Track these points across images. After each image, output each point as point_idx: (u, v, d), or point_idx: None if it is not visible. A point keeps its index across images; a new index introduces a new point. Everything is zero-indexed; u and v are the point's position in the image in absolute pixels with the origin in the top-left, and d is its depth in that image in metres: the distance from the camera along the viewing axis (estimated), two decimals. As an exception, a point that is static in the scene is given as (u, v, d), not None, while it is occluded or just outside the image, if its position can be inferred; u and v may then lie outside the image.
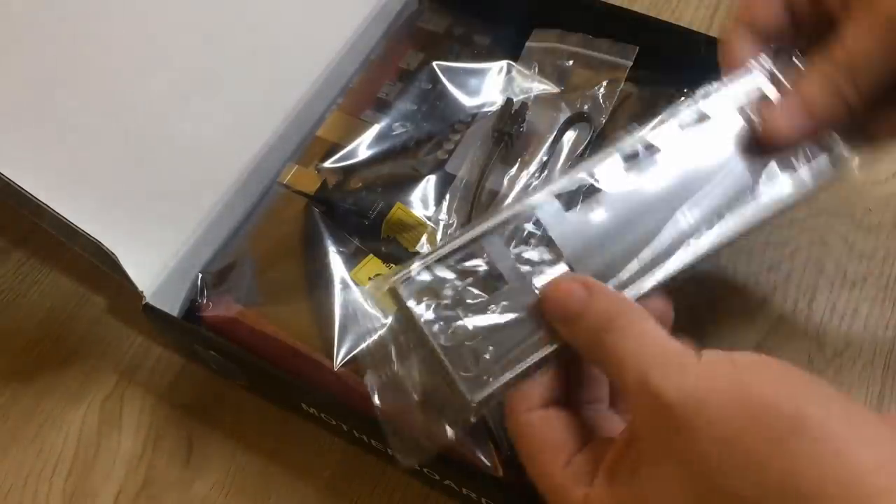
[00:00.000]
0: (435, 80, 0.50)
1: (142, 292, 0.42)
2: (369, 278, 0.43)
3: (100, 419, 0.46)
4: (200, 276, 0.45)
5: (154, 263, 0.43)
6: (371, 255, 0.44)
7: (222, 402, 0.46)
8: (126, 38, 0.43)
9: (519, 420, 0.29)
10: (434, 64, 0.50)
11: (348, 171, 0.47)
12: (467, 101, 0.49)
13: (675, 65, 0.45)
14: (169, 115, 0.45)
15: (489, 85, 0.49)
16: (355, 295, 0.42)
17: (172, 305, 0.44)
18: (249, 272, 0.44)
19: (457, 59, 0.51)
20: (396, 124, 0.48)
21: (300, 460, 0.44)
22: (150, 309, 0.42)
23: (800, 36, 0.35)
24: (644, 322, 0.27)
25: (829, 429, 0.21)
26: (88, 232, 0.39)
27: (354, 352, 0.40)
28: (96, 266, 0.43)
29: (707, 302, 0.47)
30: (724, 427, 0.22)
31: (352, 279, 0.43)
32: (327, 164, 0.47)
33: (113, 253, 0.40)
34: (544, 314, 0.30)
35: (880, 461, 0.21)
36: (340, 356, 0.40)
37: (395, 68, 0.51)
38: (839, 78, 0.32)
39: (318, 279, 0.43)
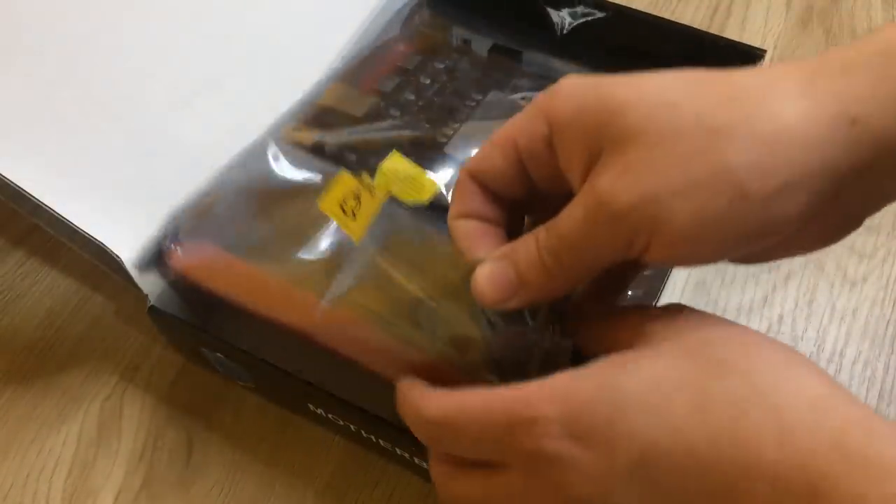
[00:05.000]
0: (435, 78, 0.50)
1: (146, 295, 0.42)
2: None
3: (100, 419, 0.46)
4: (173, 217, 0.41)
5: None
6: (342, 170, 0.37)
7: (222, 402, 0.46)
8: (127, 38, 0.44)
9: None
10: (434, 64, 0.50)
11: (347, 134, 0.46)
12: (467, 97, 0.49)
13: (674, 65, 0.45)
14: (170, 115, 0.45)
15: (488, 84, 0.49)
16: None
17: (176, 306, 0.44)
18: (229, 216, 0.41)
19: (456, 63, 0.51)
20: (394, 110, 0.48)
21: (300, 460, 0.44)
22: (154, 311, 0.42)
23: (543, 205, 0.31)
24: None
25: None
26: (91, 234, 0.39)
27: (346, 288, 0.37)
28: (96, 266, 0.43)
29: (707, 302, 0.47)
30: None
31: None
32: (325, 131, 0.46)
33: (118, 256, 0.40)
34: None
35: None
36: (331, 292, 0.37)
37: (394, 69, 0.51)
38: (543, 250, 0.29)
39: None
